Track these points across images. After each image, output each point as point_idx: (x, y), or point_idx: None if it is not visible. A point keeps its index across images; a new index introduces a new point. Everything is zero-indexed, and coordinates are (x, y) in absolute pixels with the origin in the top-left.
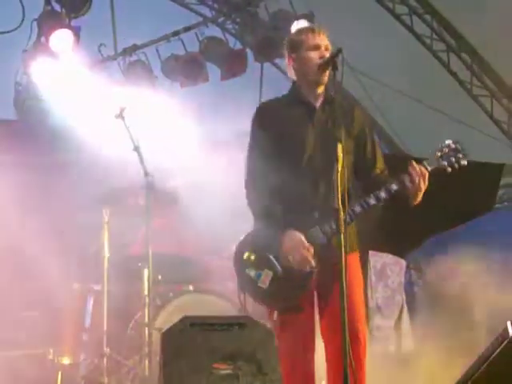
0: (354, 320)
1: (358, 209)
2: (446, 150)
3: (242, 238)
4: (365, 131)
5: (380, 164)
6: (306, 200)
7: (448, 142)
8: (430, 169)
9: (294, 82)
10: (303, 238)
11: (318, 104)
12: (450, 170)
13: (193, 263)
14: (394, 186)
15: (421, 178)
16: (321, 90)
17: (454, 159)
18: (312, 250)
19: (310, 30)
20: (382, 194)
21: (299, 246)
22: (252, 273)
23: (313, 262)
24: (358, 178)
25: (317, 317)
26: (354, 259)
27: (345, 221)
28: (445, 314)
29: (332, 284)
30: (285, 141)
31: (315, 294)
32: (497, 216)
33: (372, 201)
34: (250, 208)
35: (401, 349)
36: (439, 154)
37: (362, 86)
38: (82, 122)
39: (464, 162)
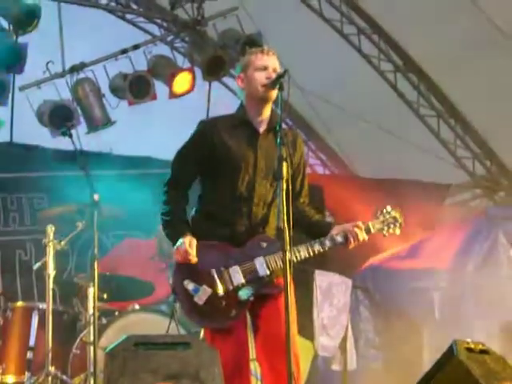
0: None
1: (303, 252)
2: (387, 217)
3: None
4: (302, 161)
5: (304, 194)
6: (241, 223)
7: (389, 208)
8: (372, 231)
9: (241, 103)
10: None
11: (262, 128)
12: (386, 235)
13: (139, 282)
14: (339, 239)
15: (361, 241)
16: (266, 112)
17: (392, 227)
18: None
19: (259, 51)
20: (327, 243)
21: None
22: (190, 286)
23: (194, 258)
24: None
25: None
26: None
27: (290, 239)
28: (391, 333)
29: (267, 309)
30: (222, 159)
31: (248, 316)
32: (442, 236)
33: (317, 246)
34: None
35: (346, 368)
36: (381, 218)
37: (311, 106)
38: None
39: (397, 232)
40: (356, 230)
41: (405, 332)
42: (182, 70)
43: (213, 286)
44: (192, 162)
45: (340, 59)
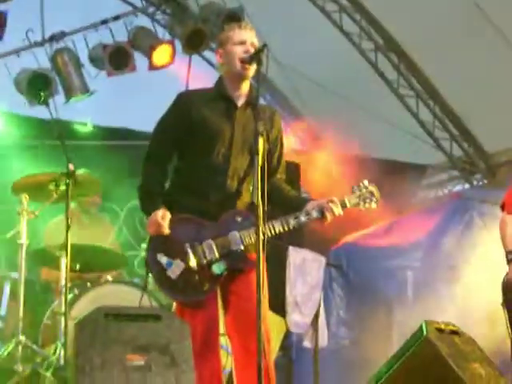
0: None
1: (277, 226)
2: (364, 191)
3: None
4: (279, 138)
5: (281, 170)
6: (215, 195)
7: (366, 183)
8: (348, 206)
9: (220, 77)
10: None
11: (240, 102)
12: (363, 209)
13: (112, 253)
14: (315, 213)
15: (337, 215)
16: (245, 87)
17: (368, 201)
18: (167, 220)
19: (236, 26)
20: (302, 218)
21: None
22: (163, 259)
23: (166, 230)
24: None
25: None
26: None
27: (263, 215)
28: (363, 311)
29: (238, 284)
30: (199, 131)
31: (218, 291)
32: (417, 216)
33: (292, 221)
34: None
35: (317, 345)
36: (358, 192)
37: (289, 81)
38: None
39: (374, 206)
40: (331, 204)
41: (377, 311)
42: (162, 42)
43: (186, 259)
44: (170, 135)
45: (322, 36)
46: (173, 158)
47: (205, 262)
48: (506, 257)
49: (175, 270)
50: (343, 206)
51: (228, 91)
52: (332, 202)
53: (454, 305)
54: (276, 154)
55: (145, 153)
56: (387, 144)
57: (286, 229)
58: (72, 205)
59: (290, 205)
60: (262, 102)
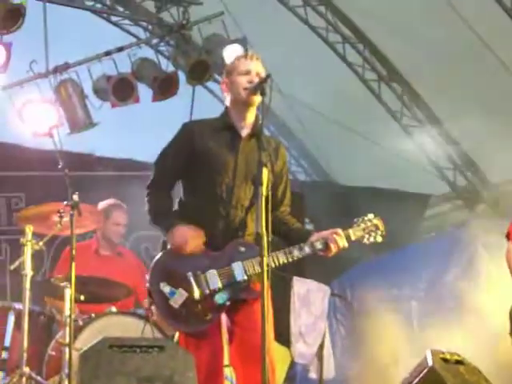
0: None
1: (281, 258)
2: (369, 224)
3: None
4: (284, 170)
5: (286, 203)
6: (219, 225)
7: (371, 216)
8: (353, 239)
9: (226, 108)
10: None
11: (244, 133)
12: (367, 242)
13: (117, 284)
14: (319, 245)
15: (341, 248)
16: (250, 117)
17: (373, 235)
18: (202, 238)
19: (243, 56)
20: (306, 249)
21: (189, 237)
22: (166, 289)
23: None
24: None
25: None
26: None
27: (268, 245)
28: (367, 341)
29: (243, 315)
30: (203, 161)
31: (223, 320)
32: (422, 246)
33: (296, 252)
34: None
35: (322, 376)
36: (363, 225)
37: (293, 112)
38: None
39: (379, 240)
40: (335, 236)
41: (382, 341)
42: (165, 73)
43: (189, 289)
44: (174, 164)
45: (325, 67)
46: (175, 186)
47: (208, 291)
48: None
49: (178, 299)
50: (348, 238)
51: (233, 121)
52: (336, 233)
53: (459, 335)
54: (281, 187)
55: (148, 182)
56: (390, 173)
57: (290, 260)
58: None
59: (294, 237)
60: (266, 133)
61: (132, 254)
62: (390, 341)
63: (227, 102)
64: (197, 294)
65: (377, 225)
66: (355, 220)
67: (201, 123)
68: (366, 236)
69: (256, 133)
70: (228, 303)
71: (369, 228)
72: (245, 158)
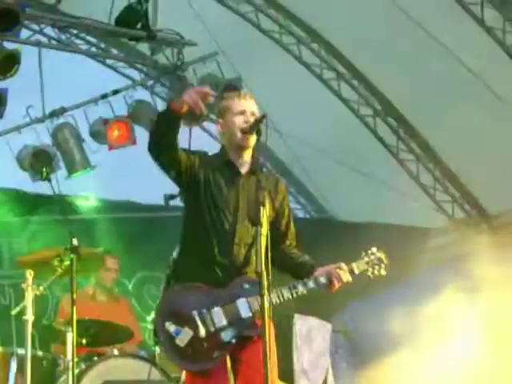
0: None
1: (286, 293)
2: (372, 258)
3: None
4: (285, 203)
5: (291, 237)
6: (222, 262)
7: (374, 249)
8: (356, 272)
9: (222, 146)
10: None
11: (244, 170)
12: (371, 276)
13: (118, 327)
14: (323, 280)
15: (345, 282)
16: (247, 155)
17: (377, 268)
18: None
19: (235, 95)
20: (311, 284)
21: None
22: (171, 328)
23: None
24: None
25: None
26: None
27: (269, 284)
28: (371, 376)
29: (247, 353)
30: (205, 197)
31: (228, 358)
32: (422, 278)
33: (300, 288)
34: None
35: None
36: (366, 259)
37: (290, 150)
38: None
39: (383, 273)
40: (339, 271)
41: (385, 374)
42: None
43: (194, 327)
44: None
45: (321, 104)
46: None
47: (213, 329)
48: None
49: (183, 338)
50: (351, 272)
51: (232, 159)
52: (340, 268)
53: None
54: (283, 221)
55: None
56: (390, 208)
57: (295, 295)
58: (92, 280)
59: (298, 271)
60: (265, 171)
61: (127, 302)
62: (392, 373)
63: (222, 141)
64: (202, 332)
65: (380, 258)
66: (361, 254)
67: (203, 158)
68: (370, 270)
69: (255, 170)
70: (234, 341)
71: (372, 261)
72: (245, 196)
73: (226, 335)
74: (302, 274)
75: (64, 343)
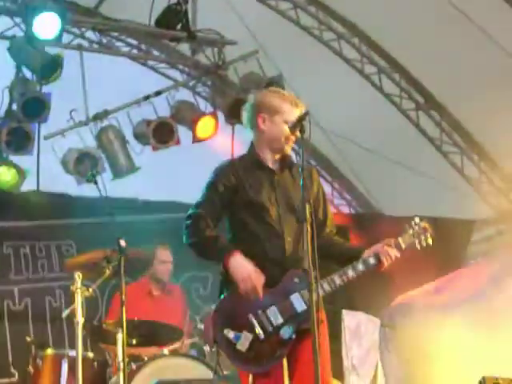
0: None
1: (337, 280)
2: (417, 229)
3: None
4: (320, 193)
5: (330, 223)
6: (273, 260)
7: (417, 220)
8: (403, 247)
9: (251, 144)
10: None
11: (276, 167)
12: (418, 247)
13: (168, 327)
14: (372, 260)
15: (394, 257)
16: (278, 156)
17: (423, 238)
18: (262, 280)
19: (293, 103)
20: (360, 267)
21: (251, 274)
22: (231, 334)
23: (260, 293)
24: None
25: None
26: (324, 325)
27: (316, 281)
28: (420, 371)
29: (303, 350)
30: (246, 200)
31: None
32: (468, 272)
33: (350, 272)
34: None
35: None
36: (411, 231)
37: (334, 146)
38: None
39: (430, 242)
40: (387, 248)
41: (434, 369)
42: (204, 114)
43: (253, 330)
44: (224, 194)
45: (362, 99)
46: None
47: (271, 329)
48: None
49: (244, 342)
50: (398, 247)
51: (263, 160)
52: (387, 245)
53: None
54: (320, 209)
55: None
56: (435, 201)
57: (346, 280)
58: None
59: (346, 257)
60: (296, 161)
61: (179, 290)
62: (441, 368)
63: (255, 136)
64: (261, 333)
65: (425, 227)
66: (405, 226)
67: (238, 160)
68: (417, 240)
69: (287, 164)
70: (294, 336)
71: (417, 232)
72: (283, 192)
73: (285, 332)
74: (351, 258)
75: (114, 343)
